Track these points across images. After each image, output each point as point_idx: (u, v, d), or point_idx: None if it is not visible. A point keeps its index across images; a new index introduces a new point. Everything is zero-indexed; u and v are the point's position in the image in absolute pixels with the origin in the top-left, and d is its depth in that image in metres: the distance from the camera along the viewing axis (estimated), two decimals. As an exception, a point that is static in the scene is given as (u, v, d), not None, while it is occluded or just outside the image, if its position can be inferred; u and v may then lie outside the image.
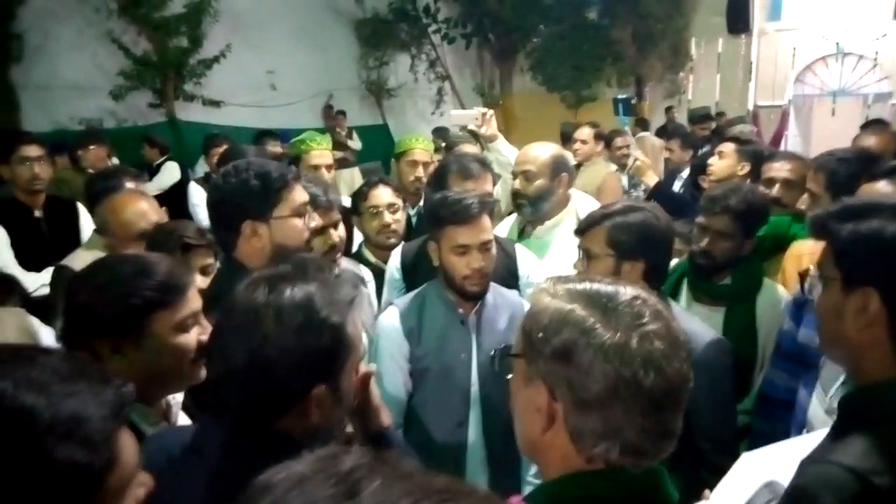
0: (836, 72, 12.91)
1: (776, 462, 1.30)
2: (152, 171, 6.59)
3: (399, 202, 2.92)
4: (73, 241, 3.36)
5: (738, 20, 12.71)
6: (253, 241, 1.81)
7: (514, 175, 2.88)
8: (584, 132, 5.36)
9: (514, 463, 2.19)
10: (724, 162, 3.65)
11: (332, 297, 1.14)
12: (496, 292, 2.25)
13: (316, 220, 1.94)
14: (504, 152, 3.27)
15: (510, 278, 2.53)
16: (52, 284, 2.72)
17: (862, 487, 1.04)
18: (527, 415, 0.99)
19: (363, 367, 1.27)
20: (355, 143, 10.45)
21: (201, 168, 6.95)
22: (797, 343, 2.07)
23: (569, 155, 3.21)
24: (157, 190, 5.78)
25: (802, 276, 1.41)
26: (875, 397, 1.14)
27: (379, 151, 11.73)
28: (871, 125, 3.22)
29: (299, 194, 1.88)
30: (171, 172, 6.44)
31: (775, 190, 2.91)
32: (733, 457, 1.91)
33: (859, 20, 12.21)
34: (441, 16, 12.35)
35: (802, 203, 2.59)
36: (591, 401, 0.91)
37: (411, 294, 2.30)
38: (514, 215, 3.03)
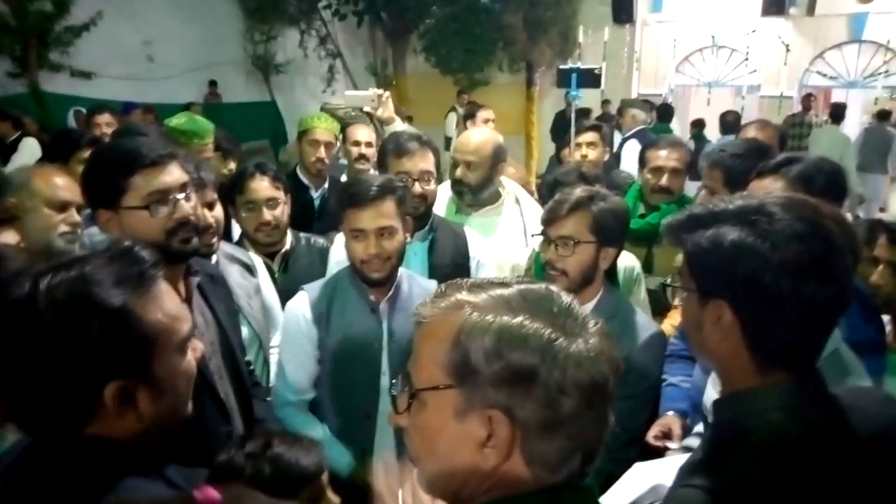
0: (712, 63, 13.64)
1: (665, 469, 1.31)
2: (6, 147, 5.99)
3: (280, 195, 2.62)
4: None
5: (623, 10, 13.18)
6: (111, 230, 1.63)
7: (455, 162, 2.84)
8: (489, 113, 5.46)
9: None
10: (598, 150, 3.88)
11: (109, 279, 0.98)
12: (412, 280, 2.17)
13: (182, 211, 1.67)
14: None
15: (461, 259, 2.54)
16: None
17: None
18: (461, 455, 0.84)
19: None
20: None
21: (68, 145, 6.39)
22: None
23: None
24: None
25: (665, 287, 1.40)
26: (740, 405, 1.12)
27: (266, 129, 11.31)
28: (756, 122, 3.46)
29: (155, 181, 1.62)
30: (31, 150, 5.86)
31: (664, 179, 2.98)
32: (636, 447, 1.93)
33: (731, 15, 12.92)
34: (331, -9, 12.01)
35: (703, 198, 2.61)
36: (562, 418, 0.81)
37: (323, 279, 2.21)
38: (448, 195, 2.97)
